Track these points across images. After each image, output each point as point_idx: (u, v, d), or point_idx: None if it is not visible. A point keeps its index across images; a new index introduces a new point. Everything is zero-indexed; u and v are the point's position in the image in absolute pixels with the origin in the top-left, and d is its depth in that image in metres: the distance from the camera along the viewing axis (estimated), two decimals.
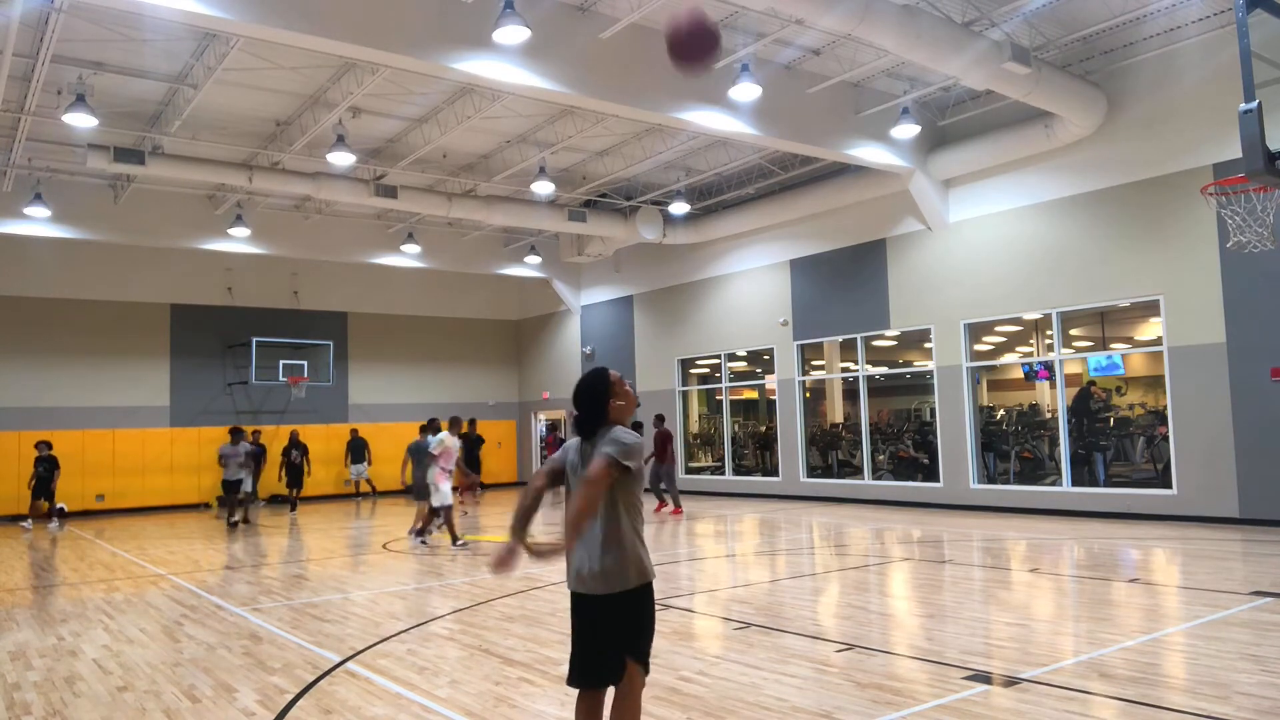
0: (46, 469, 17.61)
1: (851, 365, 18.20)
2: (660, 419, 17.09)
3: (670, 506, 16.59)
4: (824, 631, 6.96)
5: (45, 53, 11.30)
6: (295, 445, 20.04)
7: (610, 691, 3.87)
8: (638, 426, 17.80)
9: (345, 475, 23.23)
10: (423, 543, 12.97)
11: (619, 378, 3.93)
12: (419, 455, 13.79)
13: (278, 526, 16.77)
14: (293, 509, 19.41)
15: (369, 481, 23.01)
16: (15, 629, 7.93)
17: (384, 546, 13.09)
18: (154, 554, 13.06)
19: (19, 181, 16.93)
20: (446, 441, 12.67)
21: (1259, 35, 6.50)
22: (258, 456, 18.88)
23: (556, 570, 10.49)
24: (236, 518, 16.48)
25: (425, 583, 9.86)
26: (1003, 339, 16.78)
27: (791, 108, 13.94)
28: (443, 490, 12.55)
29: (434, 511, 12.95)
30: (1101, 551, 10.64)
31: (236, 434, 16.50)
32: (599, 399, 3.85)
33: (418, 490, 13.70)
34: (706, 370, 21.86)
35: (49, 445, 17.88)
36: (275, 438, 22.02)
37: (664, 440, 16.53)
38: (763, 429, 20.77)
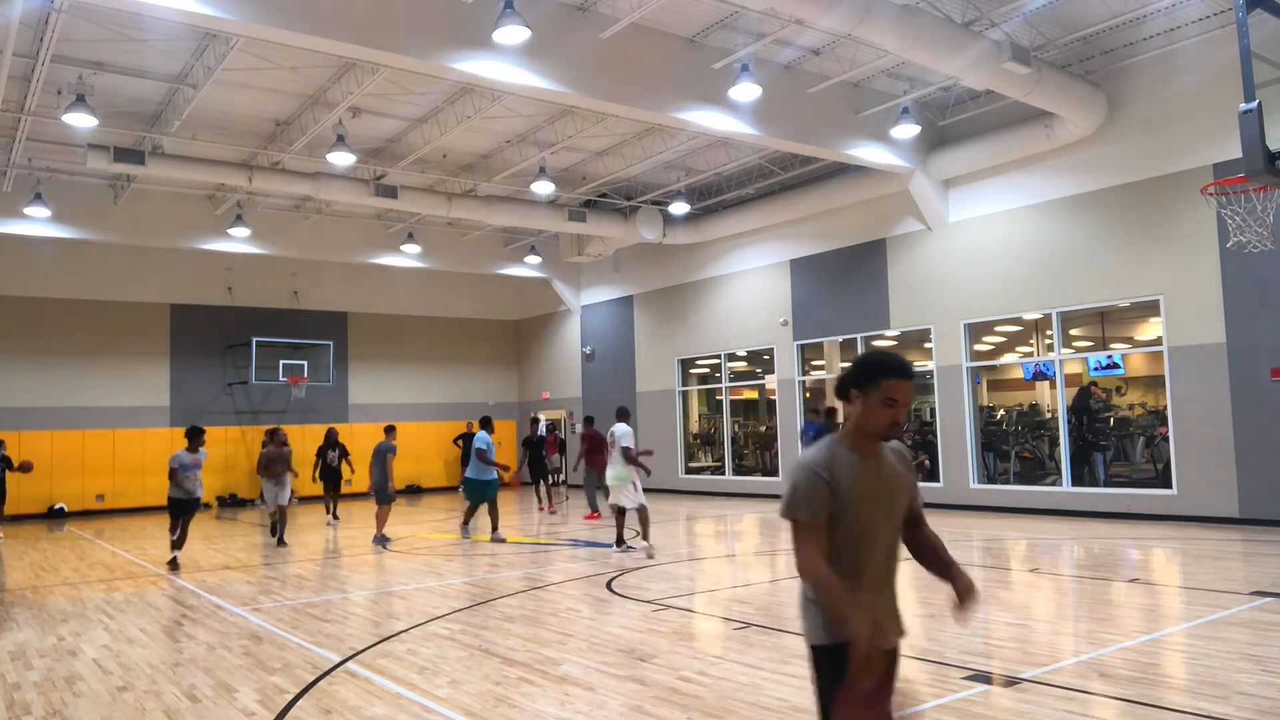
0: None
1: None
2: (589, 420, 16.91)
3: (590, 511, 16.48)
4: None
5: (45, 53, 11.30)
6: (332, 445, 17.48)
7: None
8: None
9: (345, 476, 23.18)
10: (649, 555, 11.27)
11: (900, 374, 2.74)
12: (380, 458, 13.56)
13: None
14: (334, 517, 17.20)
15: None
16: (15, 629, 7.94)
17: (384, 547, 13.08)
18: (154, 554, 13.06)
19: (19, 181, 16.93)
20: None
21: (1259, 35, 6.49)
22: (288, 459, 17.03)
23: (556, 570, 10.50)
24: (176, 553, 11.75)
25: (425, 583, 9.85)
26: (1003, 339, 16.77)
27: (791, 108, 13.94)
28: (632, 489, 11.47)
29: (621, 511, 11.73)
30: (1101, 551, 10.64)
31: (196, 436, 11.57)
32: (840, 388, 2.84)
33: (379, 493, 13.40)
34: (706, 370, 21.86)
35: (3, 444, 16.18)
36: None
37: (592, 442, 15.98)
38: (763, 429, 20.77)
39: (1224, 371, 12.57)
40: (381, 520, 13.44)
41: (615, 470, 11.45)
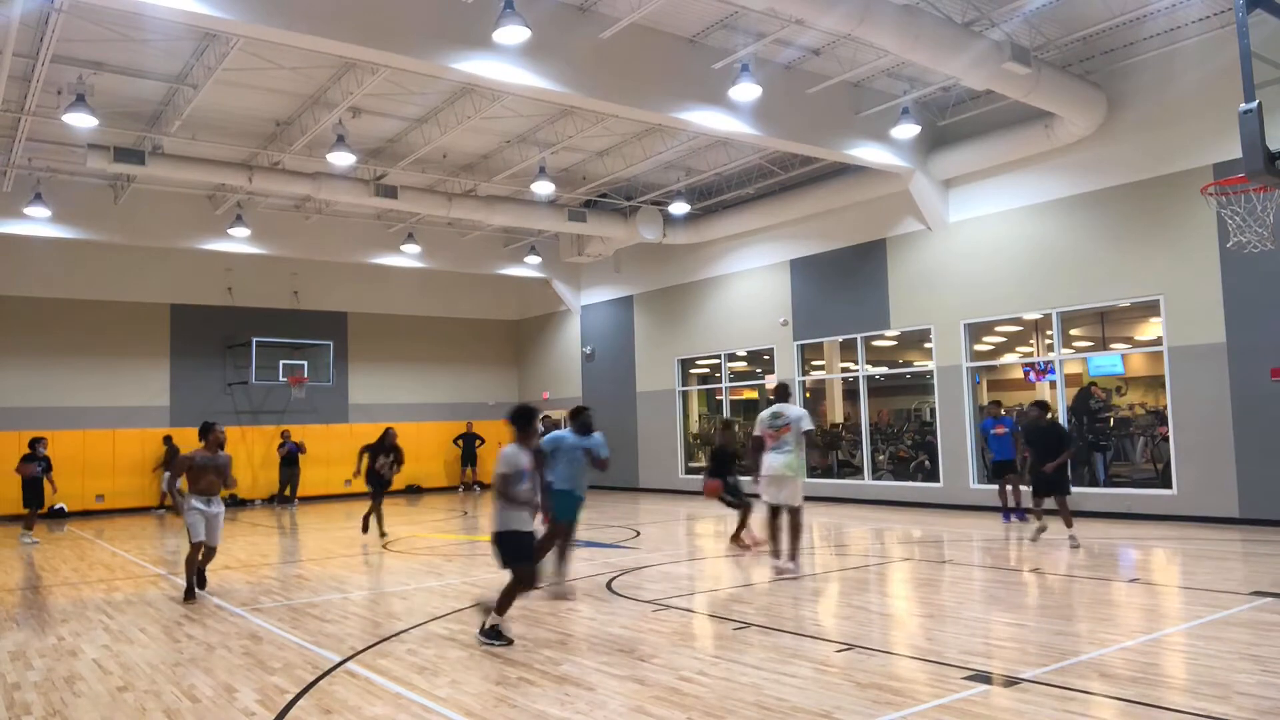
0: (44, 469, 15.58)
1: (851, 365, 18.20)
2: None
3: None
4: (824, 631, 6.95)
5: (45, 53, 11.30)
6: (387, 449, 14.02)
7: None
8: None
9: (345, 476, 23.19)
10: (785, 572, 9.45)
11: None
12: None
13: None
14: (369, 528, 14.07)
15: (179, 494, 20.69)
16: (15, 629, 7.93)
17: (384, 547, 13.08)
18: (154, 554, 13.06)
19: (19, 181, 16.92)
20: None
21: (1259, 35, 6.48)
22: (225, 470, 16.53)
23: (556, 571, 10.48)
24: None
25: (425, 583, 9.85)
26: (1003, 339, 16.77)
27: (791, 108, 13.94)
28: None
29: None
30: (1101, 551, 10.64)
31: (528, 420, 7.12)
32: None
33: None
34: (706, 370, 21.86)
35: (44, 443, 15.72)
36: (270, 437, 22.05)
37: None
38: None
39: (1224, 371, 12.58)
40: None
41: (788, 459, 9.31)
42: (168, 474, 19.85)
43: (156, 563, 12.07)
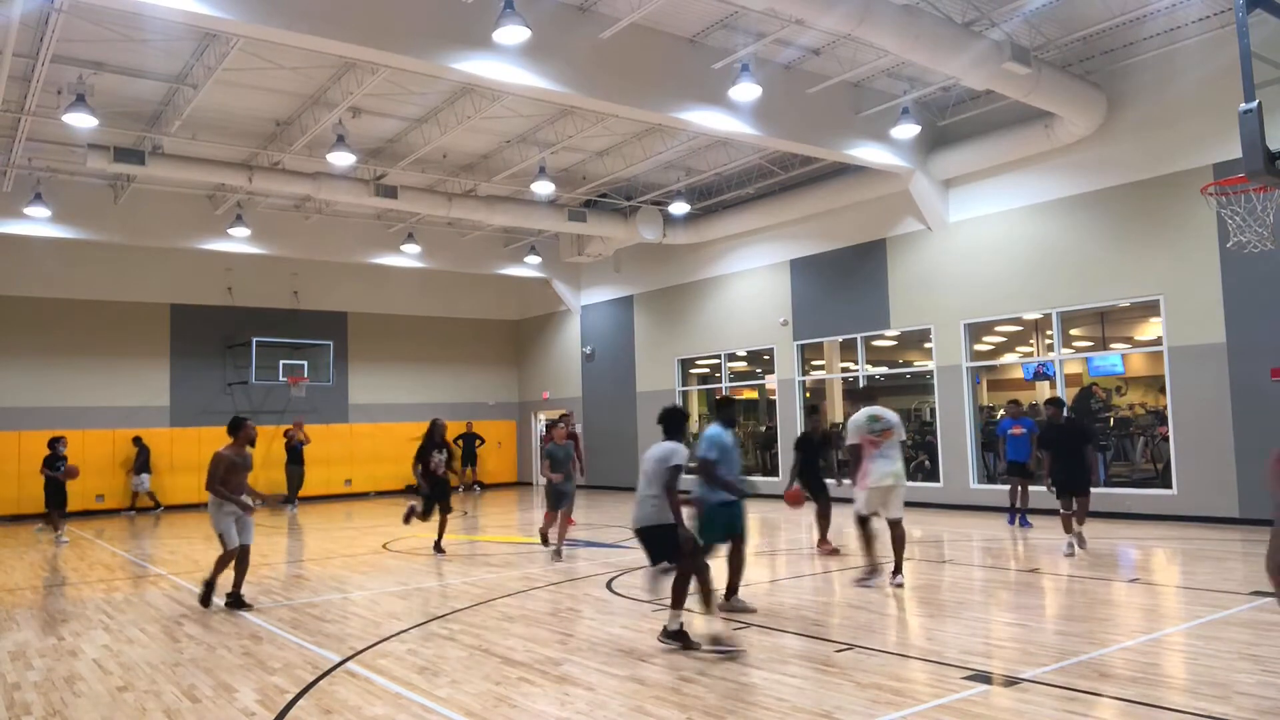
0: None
1: (851, 365, 18.20)
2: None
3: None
4: (824, 631, 6.95)
5: (45, 53, 11.30)
6: (439, 444, 12.40)
7: None
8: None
9: (346, 476, 23.23)
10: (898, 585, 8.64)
11: None
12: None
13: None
14: (438, 548, 12.19)
15: (151, 495, 20.16)
16: (15, 629, 7.93)
17: (384, 547, 13.08)
18: (154, 554, 13.06)
19: (19, 181, 16.92)
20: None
21: (1259, 35, 6.48)
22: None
23: (556, 571, 10.48)
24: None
25: (425, 583, 9.85)
26: (1003, 339, 16.77)
27: (791, 108, 13.94)
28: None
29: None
30: (1101, 551, 10.63)
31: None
32: None
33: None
34: (706, 370, 21.86)
35: (63, 442, 15.70)
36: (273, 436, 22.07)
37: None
38: (763, 429, 20.77)
39: (1224, 371, 12.58)
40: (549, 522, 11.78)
41: (895, 467, 8.50)
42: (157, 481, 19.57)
43: (156, 563, 12.07)
